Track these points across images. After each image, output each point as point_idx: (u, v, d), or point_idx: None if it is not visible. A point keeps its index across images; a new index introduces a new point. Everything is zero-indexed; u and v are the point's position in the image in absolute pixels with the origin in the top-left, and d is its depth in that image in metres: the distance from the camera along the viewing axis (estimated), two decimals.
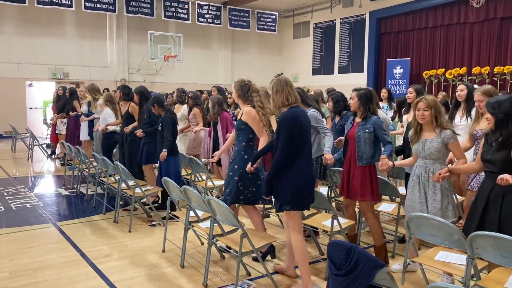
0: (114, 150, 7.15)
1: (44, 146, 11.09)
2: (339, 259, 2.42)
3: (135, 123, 6.21)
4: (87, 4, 13.83)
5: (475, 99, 4.22)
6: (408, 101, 5.28)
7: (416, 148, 3.55)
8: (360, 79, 16.15)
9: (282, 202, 3.37)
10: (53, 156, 10.51)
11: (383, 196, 4.79)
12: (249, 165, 3.87)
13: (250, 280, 3.77)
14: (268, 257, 4.18)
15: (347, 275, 2.35)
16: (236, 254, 3.44)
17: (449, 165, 3.58)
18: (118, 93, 6.70)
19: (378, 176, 4.10)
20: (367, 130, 4.00)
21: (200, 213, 4.11)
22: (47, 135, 12.24)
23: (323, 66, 18.08)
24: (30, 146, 10.24)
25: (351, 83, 15.08)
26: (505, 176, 2.81)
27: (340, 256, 2.40)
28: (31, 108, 15.27)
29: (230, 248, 3.80)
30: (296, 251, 3.46)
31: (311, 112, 4.64)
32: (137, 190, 5.16)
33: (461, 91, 4.95)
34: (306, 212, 4.22)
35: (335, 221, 3.81)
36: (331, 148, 4.61)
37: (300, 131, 3.33)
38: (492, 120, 3.04)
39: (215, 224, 3.68)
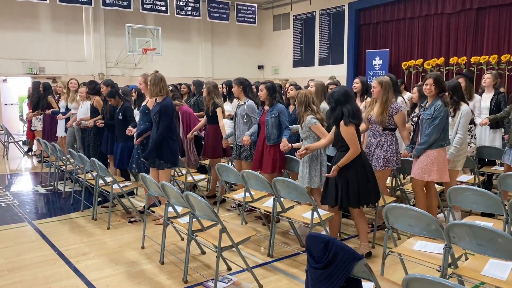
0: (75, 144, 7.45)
1: (20, 143, 10.83)
2: (317, 252, 2.40)
3: (99, 116, 6.47)
4: None
5: (372, 85, 4.72)
6: (354, 90, 5.72)
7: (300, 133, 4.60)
8: (340, 71, 16.18)
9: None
10: (29, 153, 10.28)
11: None
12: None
13: (231, 274, 3.75)
14: (250, 250, 4.16)
15: (325, 268, 2.33)
16: (215, 249, 3.40)
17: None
18: (85, 88, 6.78)
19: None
20: (273, 116, 5.01)
21: (179, 209, 4.06)
22: (23, 131, 11.94)
23: (303, 58, 18.06)
24: (6, 143, 9.98)
25: (331, 75, 15.13)
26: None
27: (319, 248, 2.38)
28: (6, 104, 14.88)
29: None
30: None
31: (249, 102, 5.41)
32: (115, 186, 5.07)
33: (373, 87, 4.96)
34: (286, 204, 4.21)
35: (315, 213, 3.80)
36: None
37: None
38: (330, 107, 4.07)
39: (194, 220, 3.63)
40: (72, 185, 6.46)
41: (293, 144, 4.83)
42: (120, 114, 5.73)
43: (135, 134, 5.36)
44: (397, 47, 15.06)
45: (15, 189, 7.02)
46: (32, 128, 9.11)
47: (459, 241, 2.74)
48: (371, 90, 4.79)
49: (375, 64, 14.84)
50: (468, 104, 5.13)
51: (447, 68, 13.07)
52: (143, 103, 5.37)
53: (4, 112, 14.61)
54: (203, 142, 6.36)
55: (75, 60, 15.46)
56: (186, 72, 17.01)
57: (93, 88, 6.57)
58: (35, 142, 10.20)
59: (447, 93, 5.04)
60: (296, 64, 18.31)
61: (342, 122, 3.86)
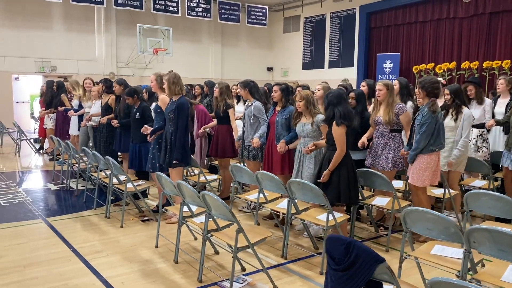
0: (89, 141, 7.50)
1: (32, 140, 10.91)
2: (338, 254, 2.39)
3: (112, 115, 6.51)
4: None
5: (376, 88, 4.78)
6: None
7: (297, 130, 4.66)
8: (350, 74, 16.18)
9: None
10: (41, 151, 10.35)
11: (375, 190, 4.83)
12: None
13: (245, 275, 3.75)
14: (264, 252, 4.16)
15: (346, 270, 2.32)
16: (231, 249, 3.40)
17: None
18: (101, 86, 6.82)
19: None
20: (284, 117, 5.04)
21: (194, 208, 4.06)
22: (34, 129, 12.03)
23: (313, 61, 18.07)
24: (18, 141, 10.06)
25: (341, 78, 15.11)
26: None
27: (339, 251, 2.37)
28: (17, 102, 15.01)
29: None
30: None
31: (256, 103, 5.47)
32: (129, 185, 5.09)
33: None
34: (300, 206, 4.21)
35: (330, 215, 3.79)
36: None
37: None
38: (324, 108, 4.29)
39: (209, 219, 3.64)
40: (84, 183, 6.50)
41: (289, 145, 4.93)
42: (138, 113, 5.72)
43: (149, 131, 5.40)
44: (408, 50, 15.02)
45: (27, 186, 7.07)
46: (44, 126, 9.17)
47: (479, 246, 2.72)
48: (376, 93, 4.80)
49: (386, 68, 14.80)
50: (469, 108, 5.17)
51: (458, 72, 13.01)
52: (156, 103, 5.40)
53: (16, 110, 14.74)
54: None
55: (86, 60, 15.59)
56: (195, 73, 17.07)
57: (109, 87, 6.61)
58: (46, 140, 10.27)
59: (449, 97, 5.06)
60: (305, 66, 18.32)
61: (334, 122, 4.07)
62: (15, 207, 5.78)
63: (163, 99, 5.14)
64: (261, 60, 19.37)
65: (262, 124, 5.46)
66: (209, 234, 3.65)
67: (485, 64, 12.29)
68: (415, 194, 4.51)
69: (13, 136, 10.83)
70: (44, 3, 13.84)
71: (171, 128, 5.01)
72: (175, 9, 15.55)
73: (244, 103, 6.88)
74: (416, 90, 4.49)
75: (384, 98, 4.69)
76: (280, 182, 4.21)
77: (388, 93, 4.66)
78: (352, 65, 16.48)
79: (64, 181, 7.02)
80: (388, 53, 15.03)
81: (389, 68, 14.76)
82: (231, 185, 5.75)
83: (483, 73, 12.37)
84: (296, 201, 4.15)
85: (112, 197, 6.02)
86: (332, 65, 17.26)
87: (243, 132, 5.69)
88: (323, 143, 4.46)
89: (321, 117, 4.55)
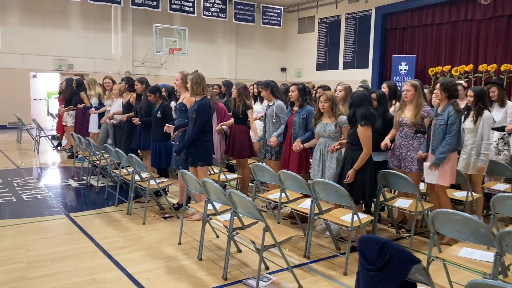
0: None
1: (50, 137, 11.05)
2: (371, 254, 2.40)
3: (132, 113, 6.61)
4: None
5: (403, 88, 4.78)
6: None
7: (318, 130, 4.69)
8: (365, 75, 16.07)
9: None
10: (59, 148, 10.48)
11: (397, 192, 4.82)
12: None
13: (269, 274, 3.77)
14: (286, 251, 4.18)
15: (380, 270, 2.33)
16: (255, 247, 3.43)
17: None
18: (124, 84, 6.90)
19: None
20: (301, 117, 5.08)
21: (217, 206, 4.09)
22: (52, 126, 12.19)
23: (327, 62, 18.03)
24: (37, 138, 10.20)
25: (355, 79, 15.04)
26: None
27: (373, 251, 2.38)
28: (35, 99, 15.21)
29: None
30: None
31: (278, 102, 5.55)
32: (152, 182, 5.15)
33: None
34: (323, 206, 4.23)
35: (355, 216, 3.80)
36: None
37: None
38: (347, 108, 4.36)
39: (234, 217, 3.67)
40: (105, 180, 6.57)
41: (304, 144, 4.95)
42: (159, 112, 5.80)
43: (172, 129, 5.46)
44: (423, 52, 14.91)
45: (48, 182, 7.17)
46: (64, 123, 9.28)
47: (511, 250, 2.71)
48: (404, 94, 4.80)
49: (401, 70, 14.72)
50: (489, 111, 5.14)
51: (475, 75, 12.89)
52: (179, 101, 5.44)
53: (33, 107, 14.93)
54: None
55: (103, 58, 15.74)
56: (210, 73, 17.07)
57: (131, 85, 6.69)
58: (63, 136, 10.40)
59: (472, 99, 5.01)
60: (319, 67, 18.28)
61: (361, 123, 4.14)
62: (38, 203, 5.87)
63: (189, 97, 5.19)
64: (274, 60, 19.38)
65: (282, 124, 5.49)
66: (234, 232, 3.68)
67: (503, 67, 12.16)
68: (437, 195, 4.50)
69: (32, 133, 10.99)
70: (62, 2, 14.02)
71: (191, 127, 5.06)
72: (191, 9, 15.63)
73: (261, 103, 6.90)
74: (435, 91, 4.45)
75: (411, 99, 4.67)
76: (304, 182, 4.23)
77: (416, 94, 4.65)
78: (367, 67, 16.42)
79: (84, 178, 7.11)
80: (404, 55, 14.95)
81: (405, 70, 14.68)
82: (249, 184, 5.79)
83: (501, 76, 12.24)
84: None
85: (132, 194, 6.10)
86: (347, 66, 17.21)
87: (264, 132, 5.71)
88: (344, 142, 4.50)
89: (344, 118, 4.59)
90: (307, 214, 4.19)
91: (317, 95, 5.66)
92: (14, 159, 9.00)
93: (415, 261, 2.23)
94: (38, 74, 15.35)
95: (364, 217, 3.96)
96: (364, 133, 4.09)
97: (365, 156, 4.10)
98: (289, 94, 5.28)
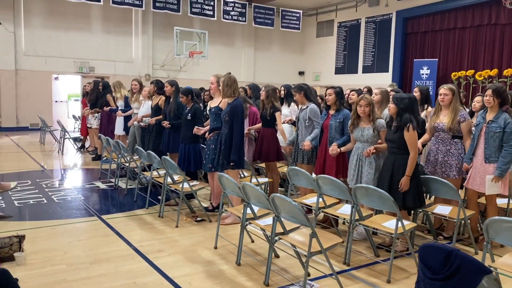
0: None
1: (72, 139, 11.12)
2: (435, 263, 2.32)
3: (161, 116, 6.62)
4: None
5: (439, 92, 4.66)
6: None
7: (356, 134, 4.59)
8: (385, 79, 15.95)
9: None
10: (82, 150, 10.54)
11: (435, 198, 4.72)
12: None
13: (310, 280, 3.70)
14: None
15: (446, 280, 2.26)
16: (296, 253, 3.37)
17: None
18: (153, 86, 6.90)
19: None
20: (337, 120, 5.03)
21: (255, 209, 4.04)
22: (74, 128, 12.28)
23: (346, 65, 17.93)
24: (61, 139, 10.28)
25: (375, 83, 14.91)
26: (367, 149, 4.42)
27: (438, 260, 2.30)
28: (56, 101, 15.37)
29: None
30: None
31: (311, 106, 5.45)
32: (185, 185, 5.12)
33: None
34: (364, 213, 4.15)
35: (399, 223, 3.72)
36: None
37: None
38: (395, 110, 4.15)
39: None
40: (132, 182, 6.57)
41: (341, 148, 4.86)
42: (190, 114, 5.78)
43: (207, 131, 5.44)
44: (445, 57, 14.75)
45: (75, 184, 7.19)
46: (88, 126, 9.33)
47: None
48: (440, 98, 4.68)
49: (423, 74, 14.56)
50: None
51: (500, 80, 12.68)
52: (214, 104, 5.41)
53: (55, 109, 15.09)
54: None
55: (123, 61, 15.85)
56: None
57: (160, 88, 6.68)
58: (87, 138, 10.47)
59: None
60: (338, 71, 18.19)
61: (410, 127, 4.04)
62: (69, 204, 5.88)
63: (225, 101, 5.16)
64: (292, 64, 19.34)
65: (316, 127, 5.43)
66: (276, 238, 3.62)
67: None
68: (487, 203, 4.41)
69: (55, 135, 11.08)
70: (84, 4, 14.15)
71: (226, 130, 5.03)
72: (211, 12, 15.69)
73: (289, 106, 6.85)
74: (486, 97, 4.33)
75: (448, 103, 4.58)
76: (345, 187, 4.15)
77: (453, 98, 4.55)
78: (387, 71, 16.28)
79: (112, 180, 7.12)
80: (425, 59, 14.79)
81: (426, 74, 14.52)
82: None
83: None
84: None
85: (159, 197, 6.09)
86: (366, 70, 17.09)
87: (297, 135, 5.66)
88: (384, 147, 4.42)
89: (382, 122, 4.52)
90: (346, 219, 4.11)
91: (351, 98, 5.59)
92: (39, 161, 9.07)
93: (486, 271, 2.15)
94: (60, 77, 15.51)
95: (407, 224, 3.87)
96: (412, 136, 4.04)
97: (413, 159, 4.04)
98: (326, 97, 5.22)
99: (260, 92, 6.46)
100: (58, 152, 10.22)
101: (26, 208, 5.62)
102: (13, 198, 6.02)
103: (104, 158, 7.75)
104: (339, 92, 5.17)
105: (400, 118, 4.11)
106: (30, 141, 12.23)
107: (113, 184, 6.97)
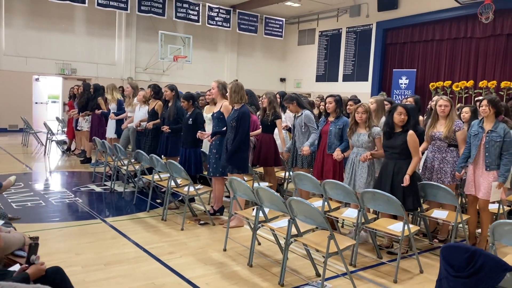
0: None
1: (56, 142, 10.96)
2: (458, 262, 2.52)
3: (158, 121, 6.66)
4: (100, 1, 13.69)
5: (439, 104, 4.92)
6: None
7: (353, 140, 4.88)
8: (364, 88, 16.42)
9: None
10: (68, 152, 10.40)
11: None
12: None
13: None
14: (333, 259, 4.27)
15: (470, 277, 2.46)
16: (308, 254, 3.52)
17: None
18: (149, 91, 6.94)
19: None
20: (337, 127, 5.27)
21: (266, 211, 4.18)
22: (57, 130, 12.08)
23: (327, 74, 18.32)
24: (49, 142, 10.12)
25: (355, 91, 15.31)
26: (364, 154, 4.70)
27: (461, 259, 2.50)
28: (36, 103, 15.05)
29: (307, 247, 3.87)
30: None
31: (306, 112, 5.69)
32: (191, 188, 5.20)
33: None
34: (369, 216, 4.35)
35: (406, 226, 3.93)
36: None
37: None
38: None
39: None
40: (128, 185, 6.58)
41: (344, 154, 5.10)
42: (191, 119, 5.87)
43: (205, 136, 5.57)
44: (423, 67, 15.30)
45: (70, 187, 7.11)
46: (78, 128, 9.23)
47: None
48: (441, 109, 4.92)
49: (401, 83, 15.06)
50: None
51: (475, 91, 13.28)
52: (216, 109, 5.53)
53: (35, 111, 14.78)
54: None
55: (106, 63, 15.72)
56: (211, 80, 17.03)
57: (157, 93, 6.73)
58: (73, 141, 10.34)
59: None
60: (319, 79, 18.55)
61: (412, 131, 4.37)
62: (68, 207, 5.86)
63: (227, 106, 5.29)
64: (274, 70, 19.60)
65: (312, 133, 5.63)
66: (292, 239, 3.76)
67: (503, 84, 12.58)
68: (480, 208, 4.67)
69: (38, 137, 10.89)
70: (68, 6, 13.96)
71: (231, 136, 5.16)
72: (196, 17, 15.76)
73: (284, 113, 7.04)
74: (483, 107, 4.60)
75: (446, 114, 4.86)
76: (352, 192, 4.35)
77: (452, 108, 4.85)
78: (366, 80, 16.74)
79: (106, 183, 7.10)
80: (404, 69, 15.31)
81: (405, 84, 15.03)
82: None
83: (500, 92, 12.66)
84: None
85: (158, 200, 6.15)
86: (346, 78, 17.51)
87: (294, 142, 5.83)
88: (380, 154, 4.68)
89: (377, 129, 4.79)
90: (353, 222, 4.30)
91: (350, 107, 5.81)
92: (26, 163, 8.91)
93: (508, 268, 2.36)
94: (40, 78, 15.22)
95: (413, 227, 4.10)
96: (416, 141, 4.35)
97: (416, 162, 4.34)
98: (327, 105, 5.43)
99: (262, 99, 6.62)
100: (44, 154, 10.06)
101: (26, 211, 5.56)
102: (9, 200, 5.94)
103: (99, 161, 7.70)
104: (338, 100, 5.40)
105: (409, 123, 4.43)
106: (10, 143, 11.94)
107: (108, 187, 6.96)
